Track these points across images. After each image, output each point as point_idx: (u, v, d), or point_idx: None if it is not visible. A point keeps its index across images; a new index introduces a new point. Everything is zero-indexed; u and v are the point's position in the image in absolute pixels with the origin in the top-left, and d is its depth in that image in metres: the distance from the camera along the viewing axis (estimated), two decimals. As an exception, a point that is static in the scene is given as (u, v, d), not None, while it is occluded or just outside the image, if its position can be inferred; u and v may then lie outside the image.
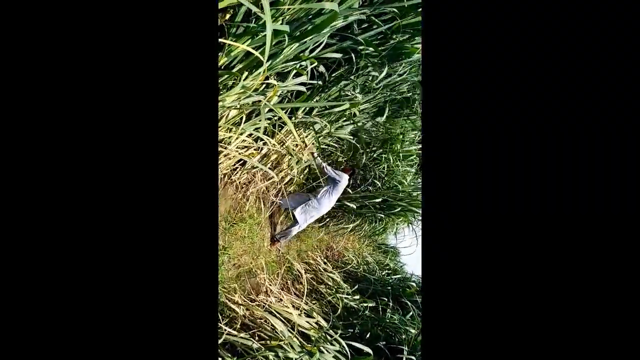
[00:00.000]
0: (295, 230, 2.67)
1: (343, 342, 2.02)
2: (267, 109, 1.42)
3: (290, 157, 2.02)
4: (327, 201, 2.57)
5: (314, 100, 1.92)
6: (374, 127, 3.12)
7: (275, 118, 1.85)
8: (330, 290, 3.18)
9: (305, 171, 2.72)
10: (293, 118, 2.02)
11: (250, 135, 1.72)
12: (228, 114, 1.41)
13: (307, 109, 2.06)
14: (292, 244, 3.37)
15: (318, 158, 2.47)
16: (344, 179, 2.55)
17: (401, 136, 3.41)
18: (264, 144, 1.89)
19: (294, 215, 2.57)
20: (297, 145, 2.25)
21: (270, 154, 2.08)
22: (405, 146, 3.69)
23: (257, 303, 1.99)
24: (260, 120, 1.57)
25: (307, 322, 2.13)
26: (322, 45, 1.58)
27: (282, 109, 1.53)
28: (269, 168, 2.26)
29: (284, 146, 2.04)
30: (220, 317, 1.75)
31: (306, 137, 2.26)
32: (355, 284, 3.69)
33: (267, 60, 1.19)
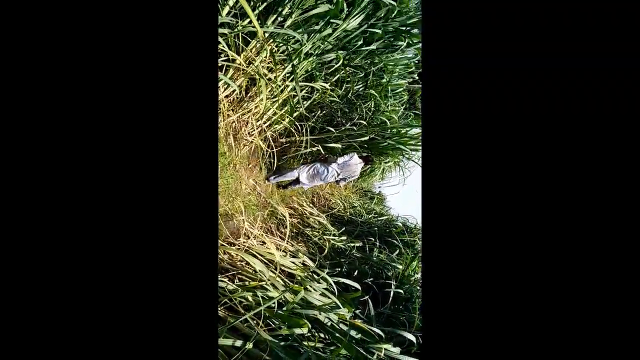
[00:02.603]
0: (289, 177, 2.73)
1: (330, 280, 1.95)
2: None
3: (261, 80, 1.70)
4: (333, 175, 2.67)
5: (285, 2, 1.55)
6: (363, 59, 2.75)
7: (240, 27, 1.49)
8: (317, 233, 3.11)
9: (285, 108, 2.40)
10: (262, 31, 1.66)
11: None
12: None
13: (279, 19, 1.68)
14: (275, 189, 3.18)
15: (330, 158, 2.61)
16: (355, 159, 2.63)
17: (391, 67, 3.06)
18: (230, 60, 1.56)
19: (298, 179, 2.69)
20: (270, 69, 1.91)
21: (237, 77, 1.75)
22: (394, 79, 3.37)
23: (236, 246, 1.84)
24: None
25: (293, 262, 2.03)
26: None
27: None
28: (239, 97, 1.95)
29: (254, 66, 1.70)
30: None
31: (283, 74, 1.91)
32: (342, 227, 3.64)
33: None
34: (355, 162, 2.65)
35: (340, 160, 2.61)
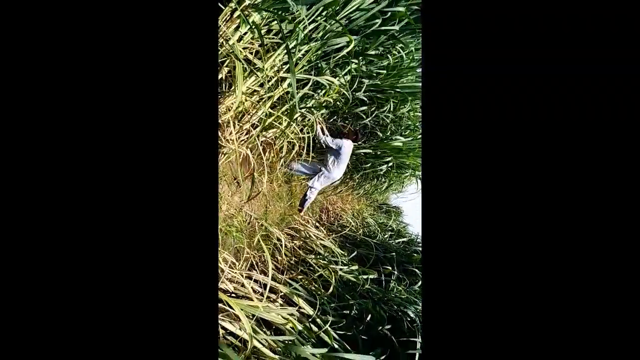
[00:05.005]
0: (312, 197, 2.77)
1: (333, 333, 1.40)
2: None
3: (238, 64, 1.20)
4: (337, 169, 2.56)
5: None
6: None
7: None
8: (322, 260, 2.56)
9: (283, 108, 1.90)
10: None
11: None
12: None
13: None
14: (273, 206, 2.68)
15: (318, 129, 2.37)
16: (347, 146, 2.46)
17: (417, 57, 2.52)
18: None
19: (309, 186, 2.65)
20: (257, 54, 1.43)
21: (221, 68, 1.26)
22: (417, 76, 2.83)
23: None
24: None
25: (283, 314, 1.50)
26: None
27: None
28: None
29: (228, 46, 1.22)
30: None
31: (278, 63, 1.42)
32: (354, 250, 3.09)
33: None
34: (350, 149, 2.53)
35: (330, 160, 2.54)
